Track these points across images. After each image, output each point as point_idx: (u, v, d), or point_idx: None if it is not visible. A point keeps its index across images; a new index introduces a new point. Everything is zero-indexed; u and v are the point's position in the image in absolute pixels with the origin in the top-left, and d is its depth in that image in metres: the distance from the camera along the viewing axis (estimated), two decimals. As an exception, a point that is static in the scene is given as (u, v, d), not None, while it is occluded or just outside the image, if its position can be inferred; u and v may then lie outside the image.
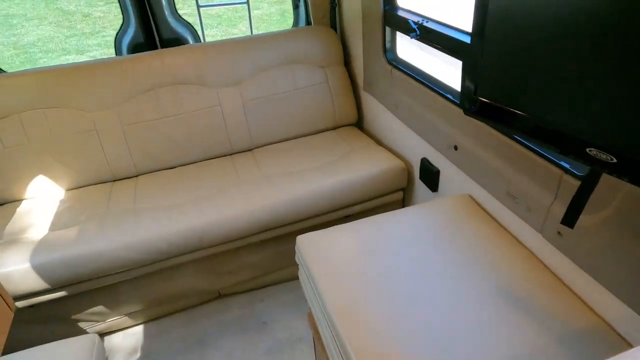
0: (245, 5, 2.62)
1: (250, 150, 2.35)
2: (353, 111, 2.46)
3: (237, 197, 1.92)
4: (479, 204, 1.59)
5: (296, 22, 2.67)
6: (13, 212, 1.96)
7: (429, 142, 1.84)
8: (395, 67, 1.99)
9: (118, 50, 2.37)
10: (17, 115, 1.99)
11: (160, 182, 2.12)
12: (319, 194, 1.93)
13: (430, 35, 1.66)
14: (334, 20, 2.48)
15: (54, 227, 1.84)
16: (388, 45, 2.04)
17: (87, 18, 8.80)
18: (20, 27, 8.41)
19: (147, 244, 1.73)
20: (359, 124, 2.54)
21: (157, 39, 2.38)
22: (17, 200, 2.05)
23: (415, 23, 1.70)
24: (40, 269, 1.63)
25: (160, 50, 2.21)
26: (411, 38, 1.71)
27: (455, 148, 1.64)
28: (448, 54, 1.60)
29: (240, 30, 8.29)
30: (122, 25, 2.34)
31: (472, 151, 1.55)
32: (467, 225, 1.46)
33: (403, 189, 2.12)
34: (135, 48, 2.34)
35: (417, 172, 2.02)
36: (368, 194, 2.03)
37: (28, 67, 7.27)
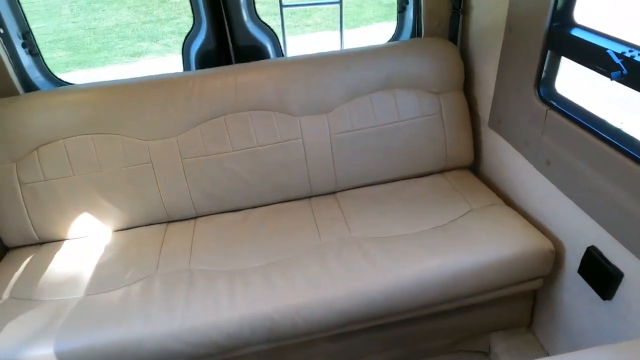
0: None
1: (333, 193, 1.86)
2: (469, 151, 1.89)
3: (317, 272, 1.44)
4: None
5: (399, 31, 2.11)
6: (50, 257, 1.63)
7: (608, 229, 1.24)
8: (554, 108, 1.39)
9: (185, 58, 1.96)
10: (62, 141, 1.64)
11: (222, 230, 1.70)
12: (425, 280, 1.40)
13: None
14: (454, 30, 1.90)
15: (91, 288, 1.48)
16: (545, 76, 1.44)
17: (164, 3, 8.75)
18: (102, 11, 8.53)
19: (200, 334, 1.31)
20: (474, 166, 1.96)
21: (230, 46, 1.94)
22: (58, 241, 1.72)
23: (619, 56, 1.09)
24: (61, 357, 1.26)
25: (233, 67, 1.77)
26: (612, 79, 1.11)
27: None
28: None
29: (315, 21, 7.81)
30: (192, 28, 1.93)
31: None
32: None
33: (543, 277, 1.53)
34: (204, 57, 1.92)
35: (573, 261, 1.42)
36: (493, 283, 1.47)
37: (105, 53, 7.32)
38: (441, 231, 1.57)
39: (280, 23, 2.18)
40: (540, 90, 1.45)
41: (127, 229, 1.76)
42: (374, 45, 1.87)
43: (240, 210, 1.81)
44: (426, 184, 1.83)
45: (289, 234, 1.65)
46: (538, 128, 1.46)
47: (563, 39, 1.32)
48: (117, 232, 1.75)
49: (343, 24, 2.25)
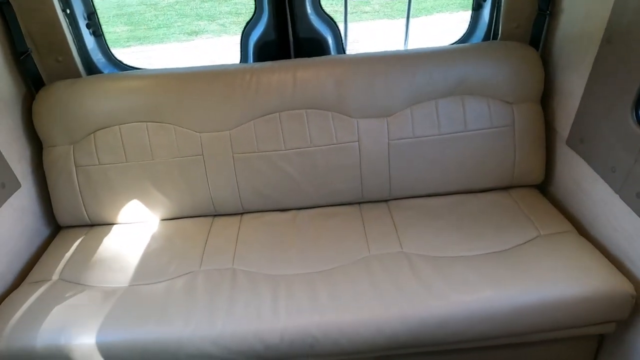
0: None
1: (385, 201, 1.76)
2: (540, 169, 1.72)
3: (365, 288, 1.36)
4: None
5: (472, 30, 1.94)
6: (99, 241, 1.65)
7: None
8: (655, 135, 1.21)
9: (243, 48, 1.90)
10: (118, 127, 1.63)
11: (267, 230, 1.65)
12: (482, 311, 1.28)
13: None
14: (537, 34, 1.71)
15: (135, 277, 1.48)
16: (647, 97, 1.25)
17: (224, -18, 8.79)
18: (163, -13, 8.69)
19: (240, 341, 1.26)
20: (543, 186, 1.79)
21: (291, 38, 1.86)
22: (107, 224, 1.74)
23: None
24: (102, 349, 1.26)
25: (293, 61, 1.69)
26: None
27: None
28: None
29: (373, 8, 7.57)
30: (252, 16, 1.86)
31: None
32: None
33: (617, 321, 1.36)
34: (263, 48, 1.85)
35: (658, 311, 1.25)
36: (558, 322, 1.32)
37: (164, 30, 7.46)
38: (503, 257, 1.43)
39: (339, 9, 2.06)
40: (639, 112, 1.27)
41: (174, 219, 1.74)
42: (444, 47, 1.72)
43: (287, 210, 1.75)
44: (489, 201, 1.69)
45: (336, 241, 1.57)
46: (631, 155, 1.28)
47: (679, 57, 1.13)
48: (164, 221, 1.74)
49: (410, 13, 2.11)
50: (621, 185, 1.34)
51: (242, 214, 1.76)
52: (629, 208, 1.31)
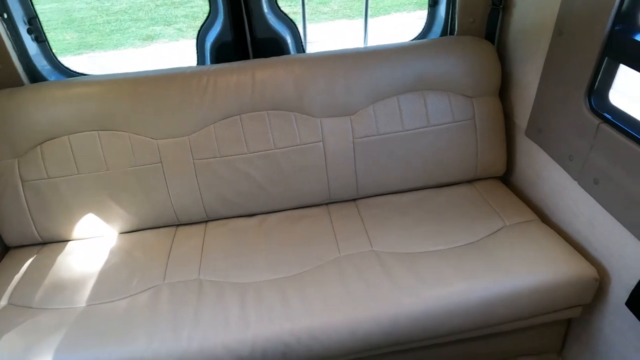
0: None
1: (353, 200, 1.74)
2: (501, 160, 1.75)
3: (336, 290, 1.33)
4: None
5: (429, 27, 1.96)
6: (53, 260, 1.54)
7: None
8: (608, 122, 1.25)
9: (200, 50, 1.84)
10: (67, 137, 1.53)
11: (234, 236, 1.60)
12: (454, 305, 1.28)
13: None
14: (491, 28, 1.75)
15: (94, 296, 1.39)
16: (599, 85, 1.29)
17: (178, -14, 8.58)
18: (114, -8, 8.38)
19: (208, 355, 1.21)
20: (505, 177, 1.82)
21: (248, 38, 1.81)
22: (61, 242, 1.63)
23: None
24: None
25: (251, 62, 1.64)
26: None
27: None
28: None
29: (332, 9, 7.59)
30: (207, 17, 1.80)
31: None
32: None
33: (582, 305, 1.40)
34: (220, 49, 1.79)
35: (620, 292, 1.29)
36: (527, 310, 1.34)
37: (118, 35, 7.19)
38: (472, 249, 1.44)
39: (298, 10, 2.03)
40: (592, 101, 1.31)
41: (135, 231, 1.66)
42: (402, 43, 1.72)
43: (254, 215, 1.70)
44: (455, 195, 1.70)
45: (305, 244, 1.53)
46: (586, 142, 1.32)
47: (626, 45, 1.16)
48: (123, 235, 1.65)
49: (368, 12, 2.10)
50: (579, 172, 1.38)
51: (206, 222, 1.69)
52: (587, 194, 1.35)
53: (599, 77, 1.27)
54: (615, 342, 1.33)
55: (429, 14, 1.95)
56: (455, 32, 1.80)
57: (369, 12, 7.21)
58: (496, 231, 1.50)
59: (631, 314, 1.24)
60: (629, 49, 1.16)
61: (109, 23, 7.44)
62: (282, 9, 1.82)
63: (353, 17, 7.13)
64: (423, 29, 1.99)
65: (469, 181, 1.77)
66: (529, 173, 1.68)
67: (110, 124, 1.54)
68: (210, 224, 1.67)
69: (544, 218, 1.57)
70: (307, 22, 2.16)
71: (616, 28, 1.18)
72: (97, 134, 1.54)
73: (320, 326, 1.24)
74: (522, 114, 1.65)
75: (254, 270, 1.44)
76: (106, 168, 1.56)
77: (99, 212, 1.60)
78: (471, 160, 1.71)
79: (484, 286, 1.30)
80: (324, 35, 6.27)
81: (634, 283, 1.21)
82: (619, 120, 1.24)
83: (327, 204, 1.74)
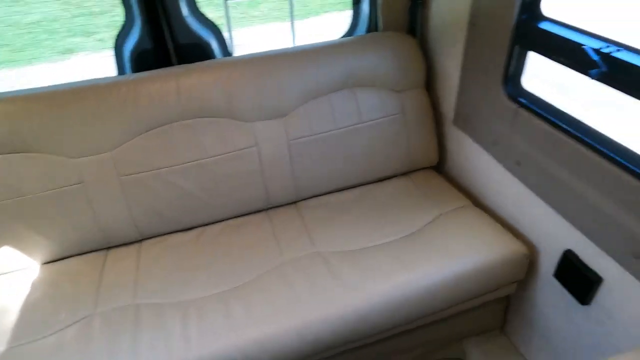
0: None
1: (294, 203, 1.72)
2: (433, 151, 1.80)
3: (281, 296, 1.30)
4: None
5: (354, 25, 1.98)
6: None
7: (585, 232, 1.19)
8: (524, 106, 1.32)
9: (118, 60, 1.73)
10: (-30, 163, 1.38)
11: (171, 253, 1.51)
12: (399, 296, 1.30)
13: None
14: (413, 23, 1.80)
15: (16, 337, 1.25)
16: (512, 72, 1.36)
17: (97, -6, 8.10)
18: (24, 3, 7.77)
19: (150, 384, 1.13)
20: (439, 166, 1.88)
21: (170, 45, 1.73)
22: (-27, 280, 1.46)
23: (597, 52, 1.02)
24: None
25: (174, 69, 1.57)
26: (591, 77, 1.04)
27: (655, 264, 0.99)
28: None
29: (262, 12, 7.53)
30: (123, 24, 1.69)
31: None
32: None
33: (516, 281, 1.47)
34: (140, 58, 1.69)
35: (548, 265, 1.37)
36: (469, 292, 1.39)
37: (32, 50, 6.66)
38: (412, 240, 1.47)
39: (223, 15, 1.98)
40: (508, 87, 1.38)
41: (59, 260, 1.52)
42: (329, 41, 1.72)
43: (192, 228, 1.62)
44: (392, 188, 1.73)
45: (247, 253, 1.49)
46: (506, 127, 1.39)
47: (532, 33, 1.24)
48: (46, 265, 1.50)
49: (293, 15, 2.09)
50: (503, 155, 1.45)
51: (140, 241, 1.59)
52: (512, 176, 1.42)
53: (512, 64, 1.34)
54: (549, 312, 1.41)
55: (353, 11, 1.97)
56: (380, 28, 1.84)
57: (300, 14, 7.25)
58: (433, 220, 1.54)
59: (559, 284, 1.32)
60: (534, 36, 1.24)
61: (20, 37, 6.87)
62: (206, 13, 1.75)
63: (284, 19, 7.11)
64: (350, 27, 2.00)
65: (405, 173, 1.81)
66: (460, 160, 1.74)
67: (19, 146, 1.40)
68: (145, 243, 1.58)
69: (476, 202, 1.64)
70: (238, 26, 2.10)
71: (523, 17, 1.25)
72: (4, 158, 1.39)
73: (267, 336, 1.21)
74: (448, 105, 1.72)
75: (195, 287, 1.37)
76: (19, 194, 1.41)
77: (16, 243, 1.45)
78: (404, 153, 1.75)
79: (425, 274, 1.33)
80: (256, 38, 6.20)
81: (560, 256, 1.30)
82: (533, 104, 1.31)
83: (267, 209, 1.70)
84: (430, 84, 1.79)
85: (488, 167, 1.55)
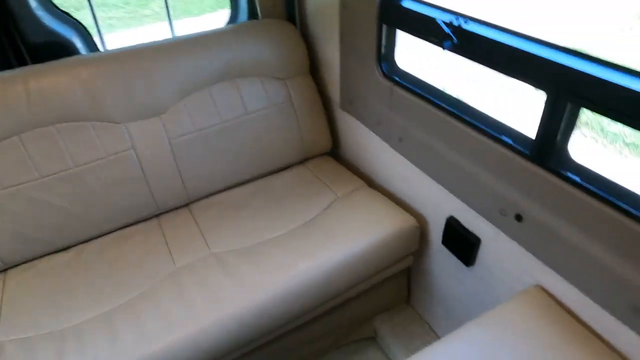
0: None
1: (186, 205, 1.61)
2: (326, 136, 1.80)
3: (173, 307, 1.20)
4: (565, 307, 1.05)
5: (235, 14, 1.91)
6: None
7: (462, 198, 1.25)
8: (399, 84, 1.36)
9: (-45, 65, 1.48)
10: None
11: (44, 279, 1.33)
12: (299, 285, 1.28)
13: (486, 48, 1.03)
14: (291, 10, 1.77)
15: None
16: (385, 51, 1.39)
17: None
18: None
19: None
20: (334, 151, 1.89)
21: (20, 44, 1.52)
22: None
23: (448, 25, 1.07)
24: None
25: (20, 70, 1.37)
26: (445, 49, 1.08)
27: (519, 218, 1.07)
28: (530, 83, 0.98)
29: (154, 11, 7.10)
30: (-42, 23, 1.45)
31: (553, 228, 0.99)
32: (544, 337, 0.92)
33: (413, 254, 1.53)
34: (-17, 61, 1.47)
35: (437, 234, 1.43)
36: (369, 270, 1.41)
37: None
38: (309, 227, 1.45)
39: (119, 16, 1.79)
40: (383, 66, 1.41)
41: None
42: (204, 31, 1.63)
43: (68, 248, 1.45)
44: (288, 178, 1.70)
45: (135, 265, 1.36)
46: (386, 105, 1.42)
47: (394, 12, 1.27)
48: None
49: (170, 9, 1.96)
50: (387, 134, 1.48)
51: (4, 270, 1.38)
52: (397, 153, 1.46)
53: (383, 44, 1.37)
54: (443, 278, 1.48)
55: (231, 2, 1.89)
56: (260, 17, 1.79)
57: (194, 12, 6.95)
58: (329, 205, 1.54)
59: (448, 250, 1.39)
60: (397, 14, 1.27)
61: None
62: (72, 12, 1.57)
63: (177, 17, 6.78)
64: (229, 18, 1.93)
65: (302, 162, 1.79)
66: (352, 143, 1.76)
67: None
68: (10, 272, 1.37)
69: (370, 183, 1.67)
70: (127, 27, 1.91)
71: (385, -4, 1.28)
72: None
73: (159, 353, 1.11)
74: (334, 89, 1.72)
75: (74, 310, 1.22)
76: None
77: None
78: (297, 141, 1.72)
79: (322, 260, 1.32)
80: (144, 38, 5.83)
81: (444, 223, 1.36)
82: (406, 81, 1.35)
83: (157, 215, 1.57)
84: (315, 69, 1.78)
85: (376, 147, 1.58)
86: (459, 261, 1.35)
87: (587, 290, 0.96)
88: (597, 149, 3.48)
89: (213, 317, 1.17)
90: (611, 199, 0.86)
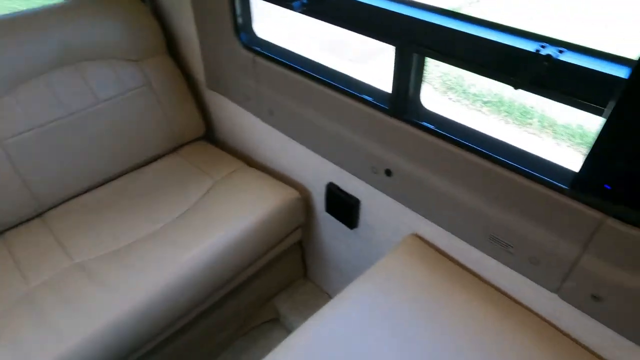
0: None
1: (39, 215, 1.38)
2: (196, 120, 1.68)
3: (30, 334, 1.02)
4: (436, 248, 1.12)
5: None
6: None
7: (336, 162, 1.26)
8: (260, 54, 1.30)
9: None
10: None
11: None
12: (183, 279, 1.18)
13: (334, 7, 1.02)
14: (136, -16, 1.60)
15: None
16: (241, 21, 1.32)
17: None
18: None
19: None
20: (210, 135, 1.78)
21: None
22: None
23: (295, -16, 1.03)
24: None
25: None
26: (295, 10, 1.04)
27: (388, 173, 1.10)
28: (379, 39, 0.98)
29: None
30: None
31: (418, 178, 1.03)
32: (424, 281, 0.99)
33: (301, 226, 1.51)
34: None
35: (320, 203, 1.43)
36: (257, 250, 1.36)
37: None
38: (188, 217, 1.35)
39: None
40: (242, 37, 1.34)
41: None
42: (32, 9, 1.39)
43: None
44: (159, 170, 1.56)
45: (-23, 294, 1.13)
46: (251, 78, 1.36)
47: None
48: None
49: None
50: (257, 108, 1.43)
51: None
52: (270, 126, 1.42)
53: (238, 13, 1.30)
54: (333, 245, 1.50)
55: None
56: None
57: None
58: (208, 190, 1.45)
59: (332, 217, 1.40)
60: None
61: None
62: None
63: None
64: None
65: (174, 150, 1.65)
66: (226, 124, 1.68)
67: None
68: None
69: (250, 162, 1.61)
70: None
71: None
72: None
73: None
74: (198, 68, 1.61)
75: None
76: None
77: None
78: (164, 128, 1.58)
79: (206, 247, 1.23)
80: None
81: (325, 190, 1.36)
82: (267, 49, 1.30)
83: (2, 232, 1.33)
84: (174, 49, 1.64)
85: (250, 124, 1.52)
86: (343, 225, 1.36)
87: (454, 230, 1.03)
88: (461, 110, 3.85)
89: (81, 335, 1.02)
90: (464, 141, 0.92)
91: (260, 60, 1.30)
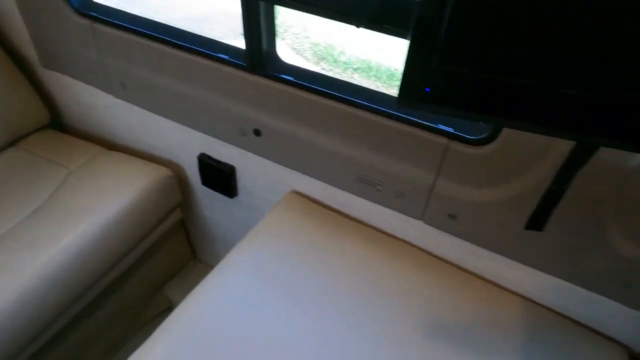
0: None
1: None
2: (36, 106, 1.45)
3: None
4: (315, 201, 1.14)
5: None
6: None
7: (206, 132, 1.20)
8: (99, 19, 1.15)
9: None
10: None
11: None
12: (43, 283, 1.04)
13: None
14: None
15: None
16: (67, -18, 1.15)
17: None
18: None
19: None
20: (58, 121, 1.56)
21: None
22: None
23: None
24: None
25: None
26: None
27: (258, 133, 1.08)
28: None
29: None
30: None
31: (287, 133, 1.03)
32: (306, 234, 1.02)
33: (179, 205, 1.42)
34: None
35: (195, 177, 1.36)
36: (134, 236, 1.25)
37: None
38: (41, 213, 1.17)
39: None
40: (72, 2, 1.17)
41: None
42: None
43: None
44: (-3, 167, 1.32)
45: None
46: (92, 49, 1.21)
47: None
48: None
49: None
50: (107, 83, 1.28)
51: None
52: (124, 101, 1.29)
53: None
54: (216, 218, 1.44)
55: None
56: None
57: None
58: (61, 183, 1.27)
59: (210, 189, 1.34)
60: None
61: None
62: None
63: None
64: None
65: (11, 143, 1.41)
66: (74, 107, 1.48)
67: None
68: None
69: (111, 146, 1.45)
70: None
71: None
72: None
73: None
74: (27, 46, 1.38)
75: None
76: None
77: None
78: (-5, 118, 1.34)
79: (69, 242, 1.10)
80: None
81: (197, 163, 1.29)
82: (107, 15, 1.16)
83: None
84: (-11, 24, 1.38)
85: (101, 102, 1.36)
86: (223, 196, 1.32)
87: (328, 179, 1.06)
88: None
89: None
90: (324, 89, 0.93)
91: (99, 27, 1.15)
